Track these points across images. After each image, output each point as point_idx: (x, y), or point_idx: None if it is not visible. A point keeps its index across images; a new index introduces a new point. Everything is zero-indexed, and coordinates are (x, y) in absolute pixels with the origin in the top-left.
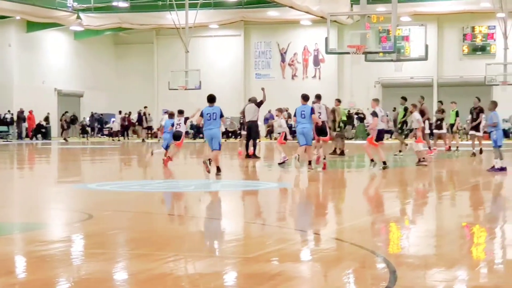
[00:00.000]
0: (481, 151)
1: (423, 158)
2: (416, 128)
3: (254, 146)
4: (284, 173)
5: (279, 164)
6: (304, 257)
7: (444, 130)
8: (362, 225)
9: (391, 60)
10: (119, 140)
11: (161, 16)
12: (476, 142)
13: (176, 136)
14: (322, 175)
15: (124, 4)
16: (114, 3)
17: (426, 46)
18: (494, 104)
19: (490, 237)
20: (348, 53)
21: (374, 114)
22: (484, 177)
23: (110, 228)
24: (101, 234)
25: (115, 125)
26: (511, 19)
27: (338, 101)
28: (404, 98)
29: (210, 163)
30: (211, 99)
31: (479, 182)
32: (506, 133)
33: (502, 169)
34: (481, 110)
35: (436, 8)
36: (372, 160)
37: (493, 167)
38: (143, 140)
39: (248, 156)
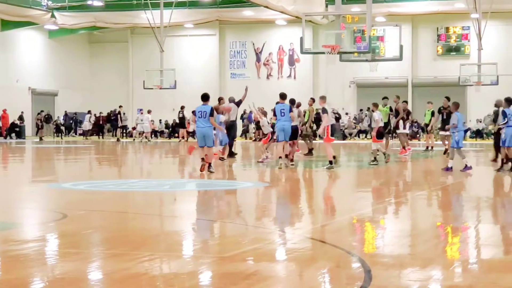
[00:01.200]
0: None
1: (375, 158)
2: (373, 128)
3: (231, 145)
4: (260, 172)
5: (259, 161)
6: (279, 256)
7: (407, 130)
8: (337, 225)
9: (366, 60)
10: (87, 139)
11: (136, 15)
12: (447, 142)
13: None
14: (297, 175)
15: (99, 3)
16: (89, 2)
17: (401, 47)
18: (456, 105)
19: (464, 237)
20: (323, 53)
21: (324, 111)
22: (454, 177)
23: (84, 228)
24: (76, 234)
25: (85, 124)
26: (485, 20)
27: (312, 100)
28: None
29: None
30: (204, 97)
31: (448, 182)
32: (480, 133)
33: (467, 168)
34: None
35: (410, 9)
36: (334, 157)
37: (466, 166)
38: (118, 139)
39: (229, 155)
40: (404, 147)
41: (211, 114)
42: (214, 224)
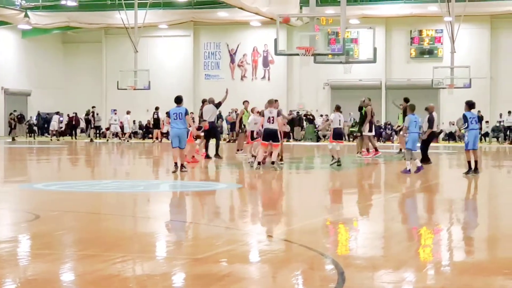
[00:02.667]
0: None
1: (336, 157)
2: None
3: (217, 146)
4: (234, 174)
5: (249, 163)
6: (253, 258)
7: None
8: (311, 227)
9: (340, 62)
10: (58, 140)
11: (110, 15)
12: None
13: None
14: (271, 177)
15: (73, 3)
16: (63, 2)
17: (375, 49)
18: (411, 108)
19: (437, 239)
20: (297, 54)
21: (262, 114)
22: (426, 180)
23: (57, 229)
24: (48, 235)
25: (53, 124)
26: (458, 23)
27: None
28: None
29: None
30: (178, 100)
31: (420, 184)
32: (453, 136)
33: (419, 169)
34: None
35: (384, 11)
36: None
37: (417, 168)
38: (91, 140)
39: (207, 156)
40: (368, 150)
41: (187, 113)
42: (188, 226)
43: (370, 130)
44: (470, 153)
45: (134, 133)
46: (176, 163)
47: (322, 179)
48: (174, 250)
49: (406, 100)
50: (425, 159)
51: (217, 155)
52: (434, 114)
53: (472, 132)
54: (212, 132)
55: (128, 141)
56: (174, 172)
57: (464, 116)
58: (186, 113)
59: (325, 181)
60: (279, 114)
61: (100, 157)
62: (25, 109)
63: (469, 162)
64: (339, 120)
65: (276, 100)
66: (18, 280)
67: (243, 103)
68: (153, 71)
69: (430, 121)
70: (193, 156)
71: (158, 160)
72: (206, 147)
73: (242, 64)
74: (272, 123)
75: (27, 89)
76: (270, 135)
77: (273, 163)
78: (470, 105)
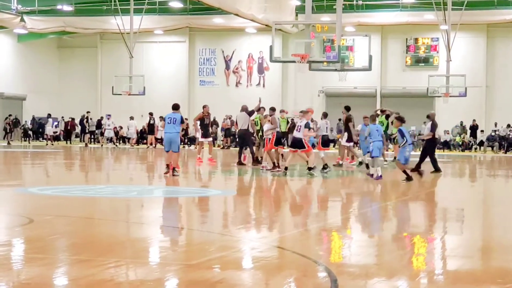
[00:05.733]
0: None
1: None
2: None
3: (252, 154)
4: (228, 180)
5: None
6: (245, 265)
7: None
8: (304, 234)
9: (335, 70)
10: (52, 144)
11: (106, 20)
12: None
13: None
14: (266, 183)
15: (69, 8)
16: (59, 7)
17: (370, 57)
18: (372, 118)
19: (430, 248)
20: (292, 61)
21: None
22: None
23: (51, 233)
24: (42, 239)
25: (48, 129)
26: (454, 31)
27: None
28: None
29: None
30: (175, 107)
31: (413, 192)
32: (447, 145)
33: (378, 177)
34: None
35: (380, 19)
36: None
37: (377, 175)
38: (86, 144)
39: (240, 163)
40: (352, 157)
41: (182, 121)
42: (181, 231)
43: (349, 140)
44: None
45: (128, 139)
46: (168, 165)
47: (314, 186)
48: (167, 255)
49: (347, 108)
50: (436, 169)
51: (254, 162)
52: (436, 121)
53: (411, 147)
54: (245, 139)
55: (133, 146)
56: (165, 173)
57: (400, 131)
58: (182, 121)
59: (317, 189)
60: (307, 125)
61: (94, 162)
62: (20, 113)
63: (405, 172)
64: (326, 128)
65: (307, 111)
66: (11, 284)
67: (259, 110)
68: (148, 77)
69: (434, 127)
70: (211, 158)
71: (152, 165)
72: (239, 154)
73: (237, 70)
74: (299, 131)
75: (23, 93)
76: (295, 143)
77: (310, 169)
78: (402, 120)
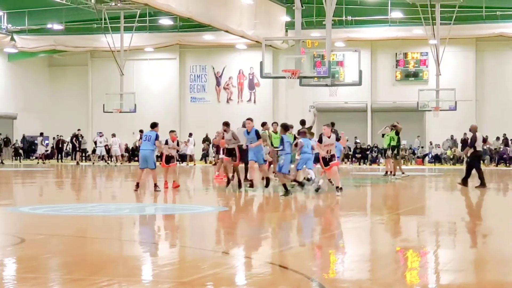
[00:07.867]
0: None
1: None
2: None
3: (246, 169)
4: (220, 197)
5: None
6: (239, 281)
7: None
8: (297, 250)
9: (326, 85)
10: (44, 162)
11: (96, 38)
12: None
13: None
14: (256, 199)
15: (59, 27)
16: (49, 26)
17: (360, 72)
18: (284, 128)
19: (423, 262)
20: (283, 77)
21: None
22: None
23: (43, 252)
24: (34, 258)
25: (40, 148)
26: (443, 46)
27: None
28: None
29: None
30: (153, 125)
31: (406, 207)
32: (438, 158)
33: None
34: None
35: (369, 34)
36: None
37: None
38: (77, 163)
39: (246, 179)
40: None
41: (157, 138)
42: (174, 249)
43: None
44: (287, 177)
45: (121, 156)
46: (138, 183)
47: (307, 200)
48: (160, 273)
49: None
50: (482, 184)
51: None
52: (478, 134)
53: (288, 157)
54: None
55: (121, 163)
56: (135, 191)
57: (282, 139)
58: (156, 138)
59: (313, 203)
60: (320, 140)
61: (86, 180)
62: (11, 132)
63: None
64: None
65: (328, 125)
66: None
67: (272, 125)
68: (139, 94)
69: (473, 141)
70: (218, 175)
71: (144, 183)
72: (246, 170)
73: (228, 87)
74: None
75: (13, 112)
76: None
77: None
78: (286, 128)
